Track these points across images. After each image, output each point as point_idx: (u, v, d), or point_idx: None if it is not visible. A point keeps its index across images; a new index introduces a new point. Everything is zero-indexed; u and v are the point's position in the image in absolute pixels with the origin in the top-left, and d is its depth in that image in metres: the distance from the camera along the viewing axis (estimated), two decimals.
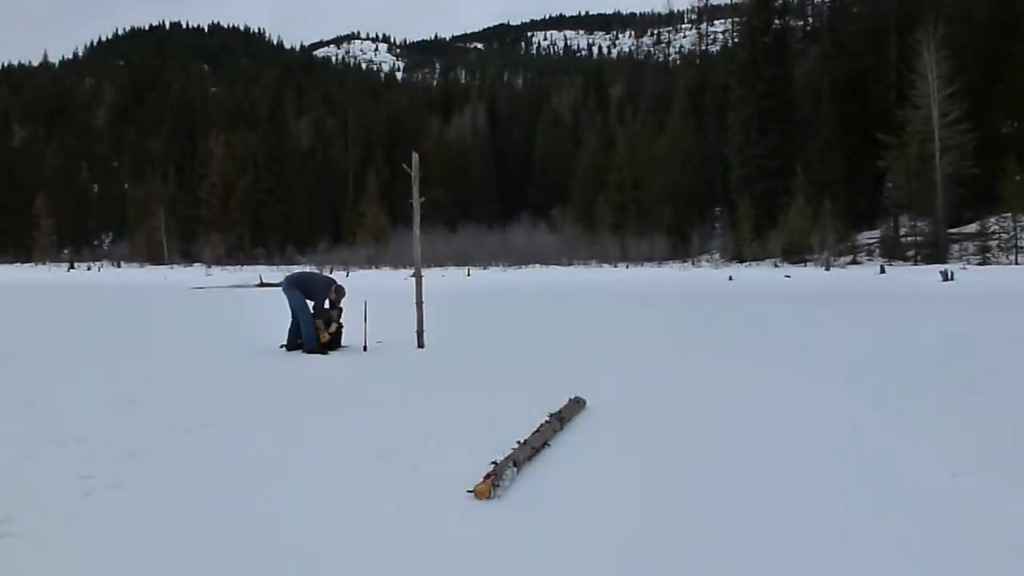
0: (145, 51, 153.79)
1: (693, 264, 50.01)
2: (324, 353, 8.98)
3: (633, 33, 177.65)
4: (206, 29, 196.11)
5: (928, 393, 6.26)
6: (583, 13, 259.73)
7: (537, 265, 51.55)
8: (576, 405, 5.53)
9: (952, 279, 25.76)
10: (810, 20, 64.51)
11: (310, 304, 9.34)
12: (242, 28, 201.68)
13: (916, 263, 37.95)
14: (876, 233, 45.35)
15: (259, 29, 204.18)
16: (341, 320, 10.32)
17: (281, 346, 9.39)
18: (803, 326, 12.57)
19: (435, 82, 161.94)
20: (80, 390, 6.83)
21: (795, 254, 44.90)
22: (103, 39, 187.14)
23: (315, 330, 9.13)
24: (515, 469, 3.90)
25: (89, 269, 61.92)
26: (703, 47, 75.82)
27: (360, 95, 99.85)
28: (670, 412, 5.69)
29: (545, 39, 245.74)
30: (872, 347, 9.37)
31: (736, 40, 61.39)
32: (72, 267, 63.17)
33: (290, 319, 9.48)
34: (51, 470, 4.24)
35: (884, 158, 41.76)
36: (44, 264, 66.89)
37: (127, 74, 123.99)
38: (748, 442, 4.72)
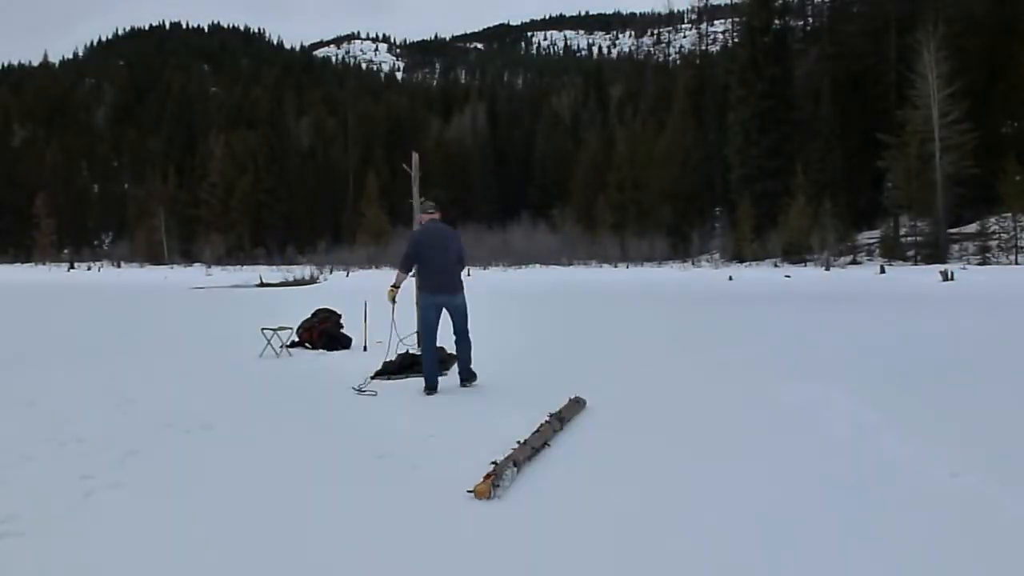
0: (145, 51, 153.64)
1: (693, 264, 49.97)
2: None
3: (633, 33, 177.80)
4: (206, 29, 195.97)
5: (928, 393, 6.26)
6: (583, 13, 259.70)
7: (537, 265, 51.53)
8: (576, 405, 5.54)
9: (952, 279, 25.75)
10: (810, 20, 64.39)
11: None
12: (242, 28, 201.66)
13: (916, 263, 37.91)
14: (876, 233, 45.31)
15: (259, 29, 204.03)
16: (341, 321, 10.34)
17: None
18: (803, 326, 12.57)
19: (435, 82, 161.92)
20: (80, 390, 6.84)
21: (795, 254, 44.86)
22: (103, 39, 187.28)
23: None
24: (515, 469, 3.90)
25: (89, 269, 61.94)
26: (703, 47, 75.63)
27: (360, 95, 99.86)
28: (670, 412, 5.70)
29: (545, 39, 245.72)
30: (872, 347, 9.38)
31: (736, 40, 61.30)
32: (72, 267, 63.19)
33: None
34: (51, 470, 4.24)
35: (884, 158, 41.72)
36: (44, 264, 66.89)
37: (127, 74, 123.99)
38: (748, 442, 4.72)
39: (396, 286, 6.85)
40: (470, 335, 6.77)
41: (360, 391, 6.63)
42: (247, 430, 5.26)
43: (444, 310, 6.63)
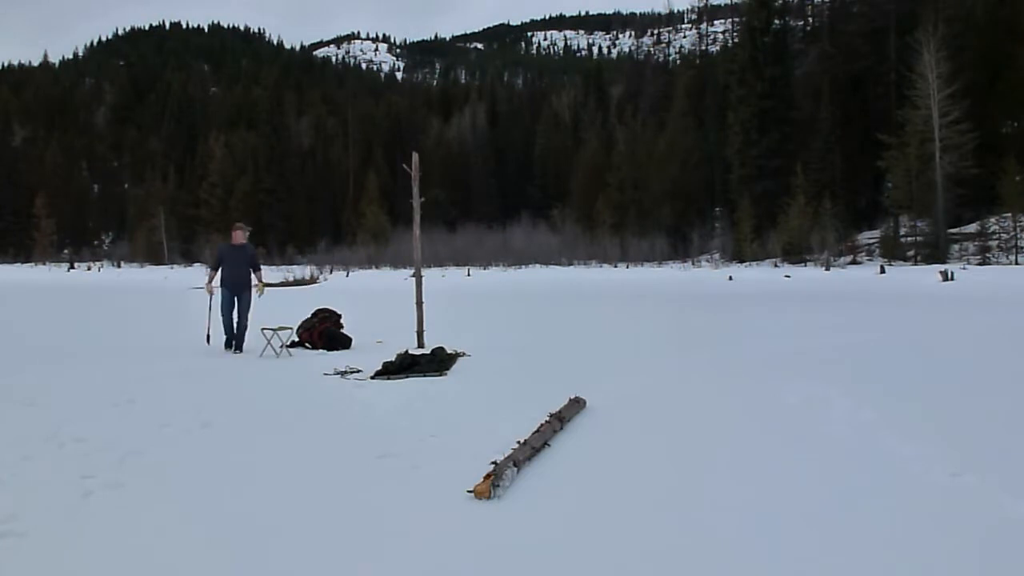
0: (145, 51, 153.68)
1: (693, 264, 49.96)
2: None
3: (633, 33, 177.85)
4: (206, 29, 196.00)
5: (928, 393, 6.26)
6: (583, 13, 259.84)
7: (537, 265, 51.53)
8: (576, 405, 5.54)
9: (952, 279, 25.75)
10: (810, 20, 64.41)
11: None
12: (242, 28, 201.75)
13: (916, 263, 37.91)
14: (876, 233, 45.31)
15: (259, 29, 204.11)
16: (342, 321, 10.36)
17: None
18: (803, 326, 12.57)
19: (435, 82, 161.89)
20: (80, 390, 6.84)
21: (795, 254, 44.84)
22: (103, 39, 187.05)
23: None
24: (515, 469, 3.90)
25: (89, 269, 61.95)
26: (703, 47, 75.62)
27: (360, 95, 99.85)
28: (670, 412, 5.70)
29: (545, 39, 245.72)
30: (872, 347, 9.37)
31: (736, 40, 61.31)
32: (72, 267, 63.20)
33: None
34: (51, 470, 4.24)
35: (884, 158, 41.72)
36: (44, 264, 66.88)
37: (127, 74, 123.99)
38: (748, 442, 4.71)
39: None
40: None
41: (344, 374, 7.29)
42: (247, 430, 5.26)
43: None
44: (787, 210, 45.49)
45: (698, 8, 76.42)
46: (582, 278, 37.85)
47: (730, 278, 33.45)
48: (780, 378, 6.99)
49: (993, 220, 39.39)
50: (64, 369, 8.29)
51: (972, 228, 39.98)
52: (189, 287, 33.75)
